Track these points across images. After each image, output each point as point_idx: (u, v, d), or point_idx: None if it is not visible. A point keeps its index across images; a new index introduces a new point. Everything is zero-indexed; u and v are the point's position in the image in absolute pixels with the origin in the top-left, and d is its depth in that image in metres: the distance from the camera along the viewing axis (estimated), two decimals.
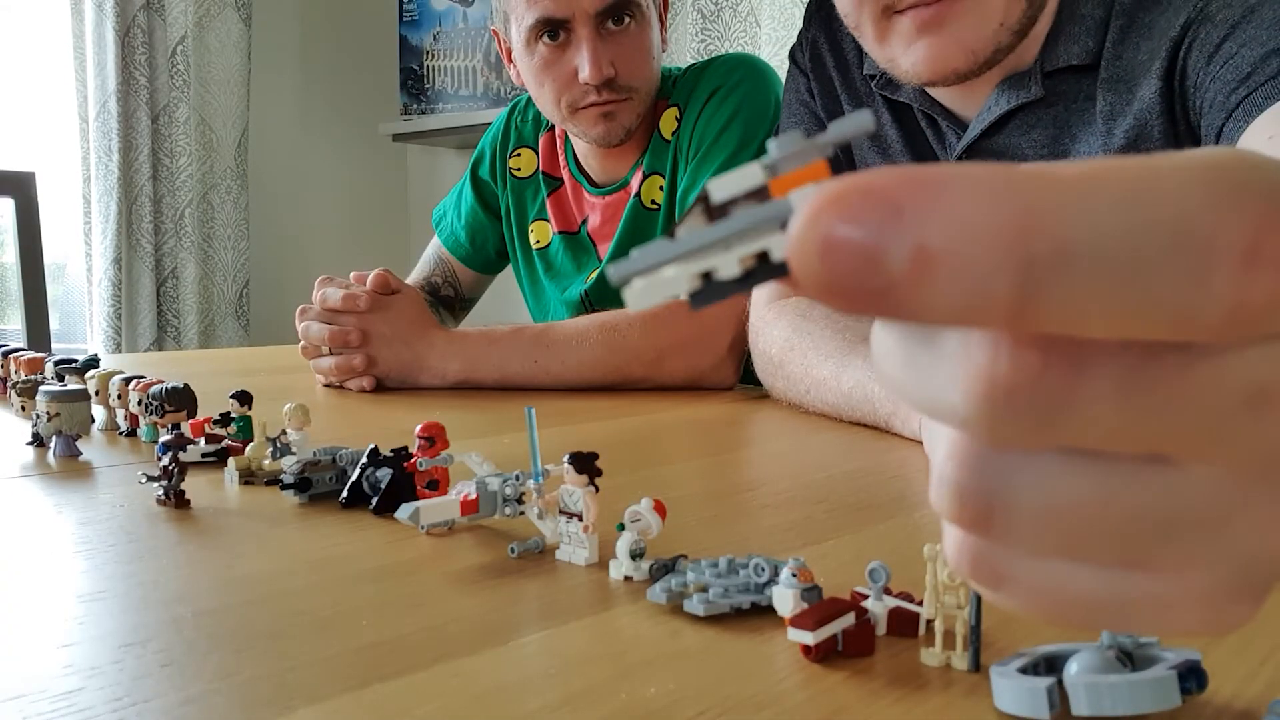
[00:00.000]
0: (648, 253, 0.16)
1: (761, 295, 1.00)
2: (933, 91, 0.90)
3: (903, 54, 0.80)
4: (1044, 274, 0.13)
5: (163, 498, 0.53)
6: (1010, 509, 0.16)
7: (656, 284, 0.16)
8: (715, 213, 0.16)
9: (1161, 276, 0.13)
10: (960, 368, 0.14)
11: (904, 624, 0.35)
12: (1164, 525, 0.16)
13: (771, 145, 0.16)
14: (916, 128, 0.94)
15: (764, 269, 0.15)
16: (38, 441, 0.70)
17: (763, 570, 0.38)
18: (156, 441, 0.62)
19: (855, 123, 0.15)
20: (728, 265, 0.16)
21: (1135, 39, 0.79)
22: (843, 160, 1.00)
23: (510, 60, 1.28)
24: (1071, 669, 0.28)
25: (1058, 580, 0.17)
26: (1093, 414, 0.14)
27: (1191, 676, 0.27)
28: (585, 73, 1.17)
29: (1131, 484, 0.15)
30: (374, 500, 0.53)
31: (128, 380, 0.73)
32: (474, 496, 0.47)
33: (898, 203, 0.13)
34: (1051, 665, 0.30)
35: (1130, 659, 0.28)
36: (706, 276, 0.16)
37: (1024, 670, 0.29)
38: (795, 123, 1.04)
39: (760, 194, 0.15)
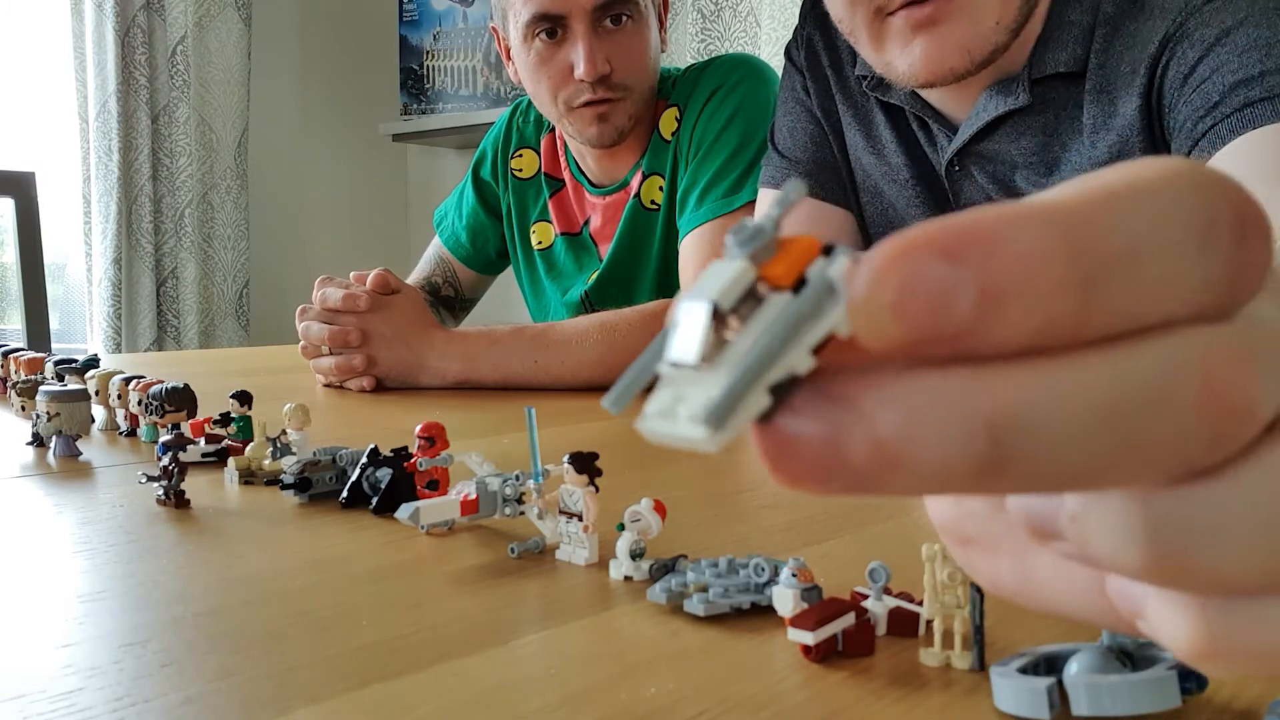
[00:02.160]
0: (675, 381, 0.15)
1: None
2: (924, 93, 0.89)
3: (899, 56, 0.80)
4: (1102, 280, 0.14)
5: (163, 498, 0.53)
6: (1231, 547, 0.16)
7: (732, 411, 0.14)
8: (728, 316, 0.15)
9: (1185, 256, 0.14)
10: (1179, 384, 0.15)
11: (904, 624, 0.35)
12: None
13: (729, 239, 0.15)
14: (908, 129, 0.93)
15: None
16: (38, 441, 0.70)
17: (763, 570, 0.38)
18: (156, 441, 0.62)
19: (793, 190, 0.15)
20: (802, 360, 0.14)
21: (1119, 48, 0.78)
22: (841, 166, 1.00)
23: (509, 58, 1.29)
24: (1072, 669, 0.28)
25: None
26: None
27: (1191, 676, 0.27)
28: (580, 69, 1.17)
29: None
30: (374, 500, 0.53)
31: (128, 380, 0.73)
32: (474, 496, 0.47)
33: (954, 250, 0.14)
34: (1051, 665, 0.30)
35: (1130, 659, 0.28)
36: (775, 387, 0.14)
37: (1024, 670, 0.29)
38: (790, 120, 1.04)
39: (753, 290, 0.15)
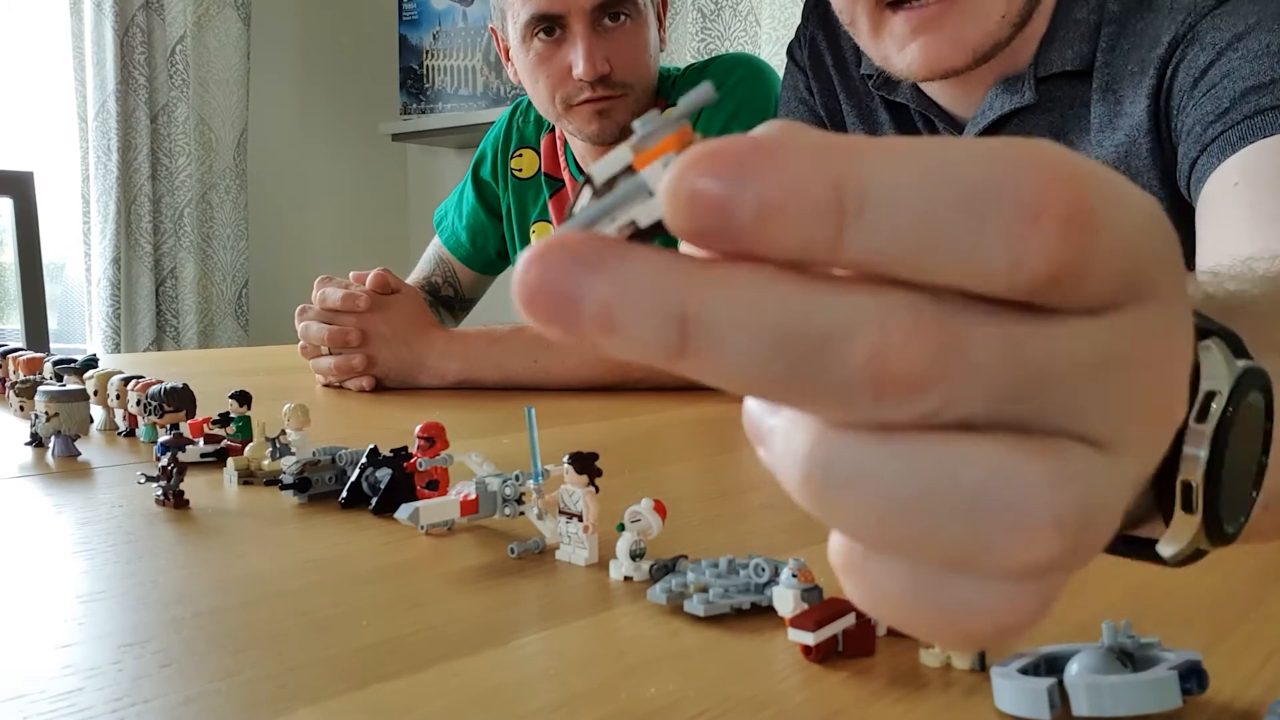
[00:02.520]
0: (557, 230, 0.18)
1: None
2: (929, 90, 0.89)
3: (896, 52, 0.79)
4: (852, 221, 0.15)
5: (162, 498, 0.53)
6: (856, 500, 0.17)
7: None
8: (600, 191, 0.17)
9: (949, 226, 0.15)
10: (852, 341, 0.16)
11: None
12: (981, 507, 0.17)
13: (636, 124, 0.17)
14: (914, 128, 0.93)
15: (638, 235, 0.17)
16: (36, 442, 0.70)
17: (763, 570, 0.38)
18: (155, 442, 0.62)
19: (700, 93, 0.17)
20: (610, 233, 0.17)
21: (1126, 46, 0.78)
22: None
23: (508, 58, 1.28)
24: (1072, 669, 0.28)
25: (883, 577, 0.18)
26: (972, 380, 0.16)
27: (1192, 677, 0.27)
28: (579, 69, 1.17)
29: (964, 465, 0.17)
30: (374, 500, 0.52)
31: (126, 380, 0.73)
32: (474, 496, 0.47)
33: (742, 163, 0.16)
34: (1052, 666, 0.30)
35: (1131, 659, 0.28)
36: None
37: (1024, 671, 0.29)
38: (793, 119, 1.03)
39: (629, 169, 0.17)
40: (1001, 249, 0.15)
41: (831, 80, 1.00)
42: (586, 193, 0.18)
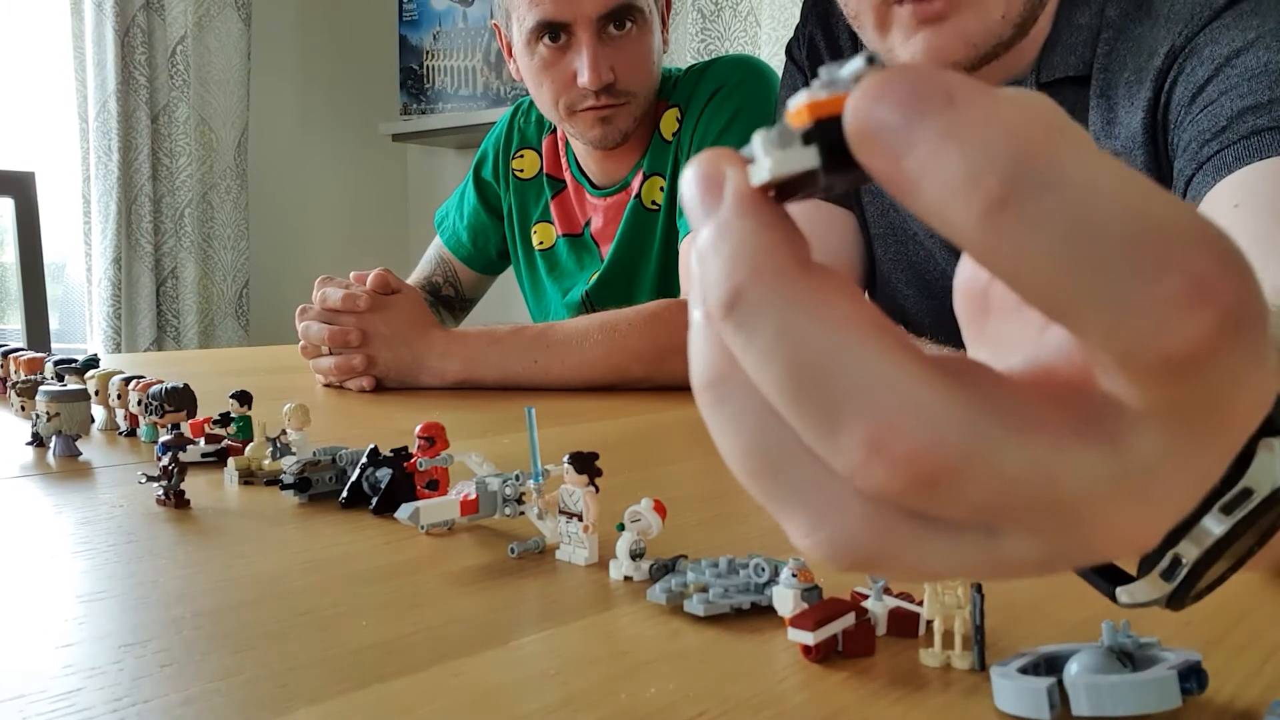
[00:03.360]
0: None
1: None
2: None
3: (901, 45, 0.79)
4: (1019, 194, 0.15)
5: (162, 498, 0.53)
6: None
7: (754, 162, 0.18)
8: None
9: (1103, 262, 0.14)
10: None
11: (904, 624, 0.35)
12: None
13: (823, 72, 0.17)
14: None
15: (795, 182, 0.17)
16: (37, 441, 0.70)
17: (763, 570, 0.38)
18: (156, 441, 0.62)
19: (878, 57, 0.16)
20: (760, 174, 0.18)
21: (1123, 53, 0.77)
22: None
23: (510, 55, 1.29)
24: (1072, 669, 0.28)
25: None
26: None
27: (1192, 677, 0.27)
28: (584, 77, 1.17)
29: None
30: (374, 500, 0.53)
31: (127, 380, 0.73)
32: (474, 496, 0.47)
33: (950, 88, 0.15)
34: (1052, 665, 0.30)
35: (1130, 659, 0.28)
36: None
37: (1024, 670, 0.29)
38: None
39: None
40: (1149, 310, 0.14)
41: None
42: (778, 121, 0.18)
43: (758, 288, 0.17)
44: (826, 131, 0.16)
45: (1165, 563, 0.22)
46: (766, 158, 0.17)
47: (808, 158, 0.17)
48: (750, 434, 0.18)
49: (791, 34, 1.05)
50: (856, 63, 0.16)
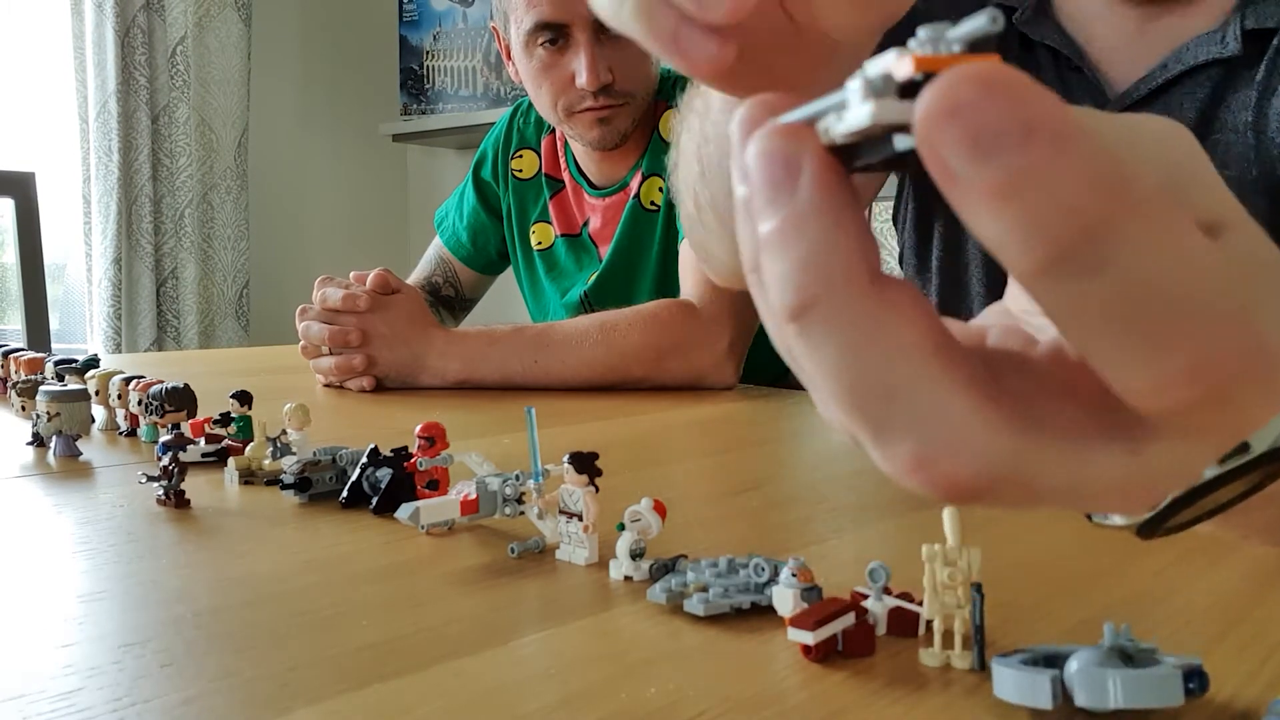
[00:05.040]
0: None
1: None
2: (1089, 36, 0.80)
3: None
4: (1064, 269, 0.15)
5: (163, 498, 0.53)
6: None
7: (818, 117, 0.18)
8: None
9: (1132, 337, 0.15)
10: None
11: (904, 624, 0.35)
12: None
13: (924, 31, 0.16)
14: (1054, 76, 0.82)
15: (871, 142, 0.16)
16: (38, 441, 0.70)
17: (763, 570, 0.38)
18: (156, 441, 0.62)
19: (980, 23, 0.15)
20: (858, 120, 0.16)
21: None
22: None
23: (509, 58, 1.29)
24: (1072, 667, 0.28)
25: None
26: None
27: (1194, 678, 0.27)
28: (583, 79, 1.17)
29: None
30: (374, 500, 0.52)
31: (128, 380, 0.73)
32: (474, 496, 0.47)
33: (1030, 124, 0.14)
34: (1051, 663, 0.29)
35: (1130, 661, 0.28)
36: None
37: (1025, 664, 0.29)
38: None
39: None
40: (1149, 379, 0.16)
41: None
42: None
43: (829, 304, 0.17)
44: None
45: None
46: (865, 104, 0.16)
47: (907, 111, 0.15)
48: (857, 362, 0.18)
49: None
50: (976, 22, 0.15)
